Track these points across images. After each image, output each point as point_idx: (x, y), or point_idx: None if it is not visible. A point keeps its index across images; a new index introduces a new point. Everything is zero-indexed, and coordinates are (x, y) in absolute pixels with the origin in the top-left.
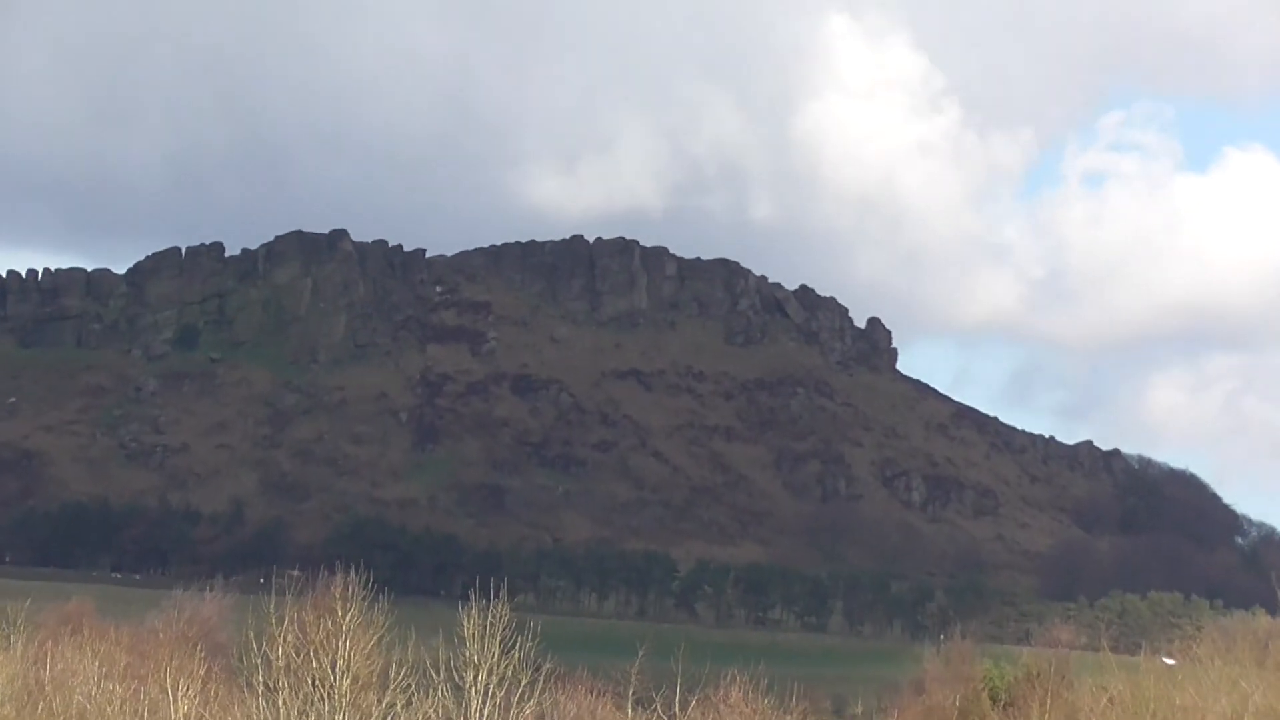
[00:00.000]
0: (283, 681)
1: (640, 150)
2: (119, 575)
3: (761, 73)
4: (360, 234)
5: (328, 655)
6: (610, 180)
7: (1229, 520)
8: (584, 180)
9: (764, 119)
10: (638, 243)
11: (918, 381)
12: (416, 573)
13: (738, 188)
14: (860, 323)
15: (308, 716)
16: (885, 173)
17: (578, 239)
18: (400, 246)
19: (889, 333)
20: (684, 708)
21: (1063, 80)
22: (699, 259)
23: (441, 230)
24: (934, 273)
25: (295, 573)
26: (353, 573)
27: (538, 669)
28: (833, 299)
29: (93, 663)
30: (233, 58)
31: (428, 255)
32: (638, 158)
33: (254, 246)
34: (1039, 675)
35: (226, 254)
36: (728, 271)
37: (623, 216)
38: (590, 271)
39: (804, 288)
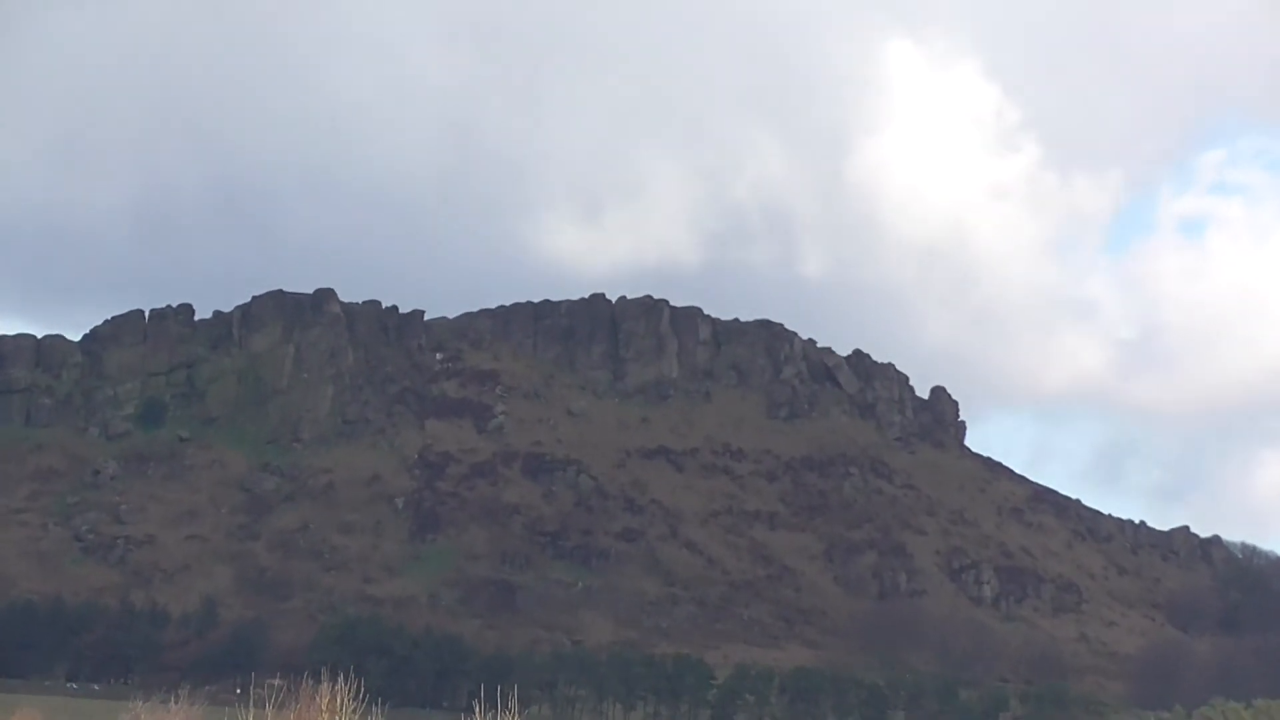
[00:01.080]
0: None
1: (672, 196)
2: (75, 685)
3: (812, 106)
4: (350, 293)
5: None
6: (637, 230)
7: None
8: (607, 230)
9: (814, 159)
10: (667, 302)
11: (989, 460)
12: (415, 680)
13: (783, 239)
14: (923, 392)
15: None
16: (953, 220)
17: (598, 298)
18: (395, 308)
19: (956, 404)
20: None
21: (1155, 114)
22: (738, 320)
23: (443, 289)
24: (1008, 335)
25: (276, 681)
26: (342, 680)
27: None
28: (891, 365)
29: None
30: (209, 90)
31: (427, 318)
32: (669, 204)
33: (228, 309)
34: None
35: (197, 317)
36: (770, 335)
37: (651, 272)
38: (613, 336)
39: (858, 353)
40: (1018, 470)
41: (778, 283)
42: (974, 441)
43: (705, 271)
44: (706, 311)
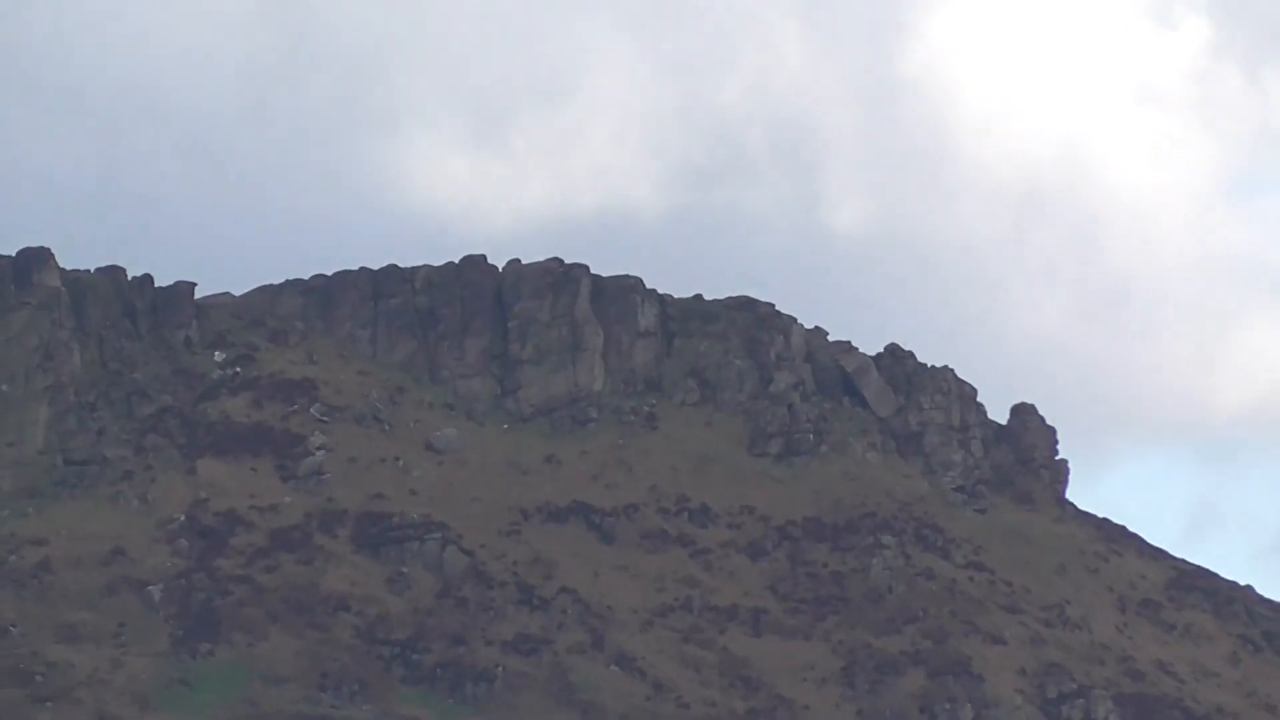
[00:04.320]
0: None
1: (621, 103)
2: None
3: None
4: (76, 257)
5: None
6: (563, 159)
7: None
8: (514, 159)
9: (850, 47)
10: (587, 269)
11: (1107, 523)
12: None
13: (800, 172)
14: (999, 415)
15: None
16: (1065, 145)
17: (475, 263)
18: (149, 278)
19: (1053, 434)
20: None
21: None
22: (700, 299)
23: (228, 250)
24: (1150, 326)
25: None
26: None
27: None
28: (948, 371)
29: None
30: None
31: (200, 294)
32: (616, 117)
33: None
34: None
35: None
36: (755, 321)
37: (564, 226)
38: (500, 324)
39: (894, 352)
40: (1155, 541)
41: (786, 243)
42: (1083, 495)
43: (668, 225)
44: (650, 284)
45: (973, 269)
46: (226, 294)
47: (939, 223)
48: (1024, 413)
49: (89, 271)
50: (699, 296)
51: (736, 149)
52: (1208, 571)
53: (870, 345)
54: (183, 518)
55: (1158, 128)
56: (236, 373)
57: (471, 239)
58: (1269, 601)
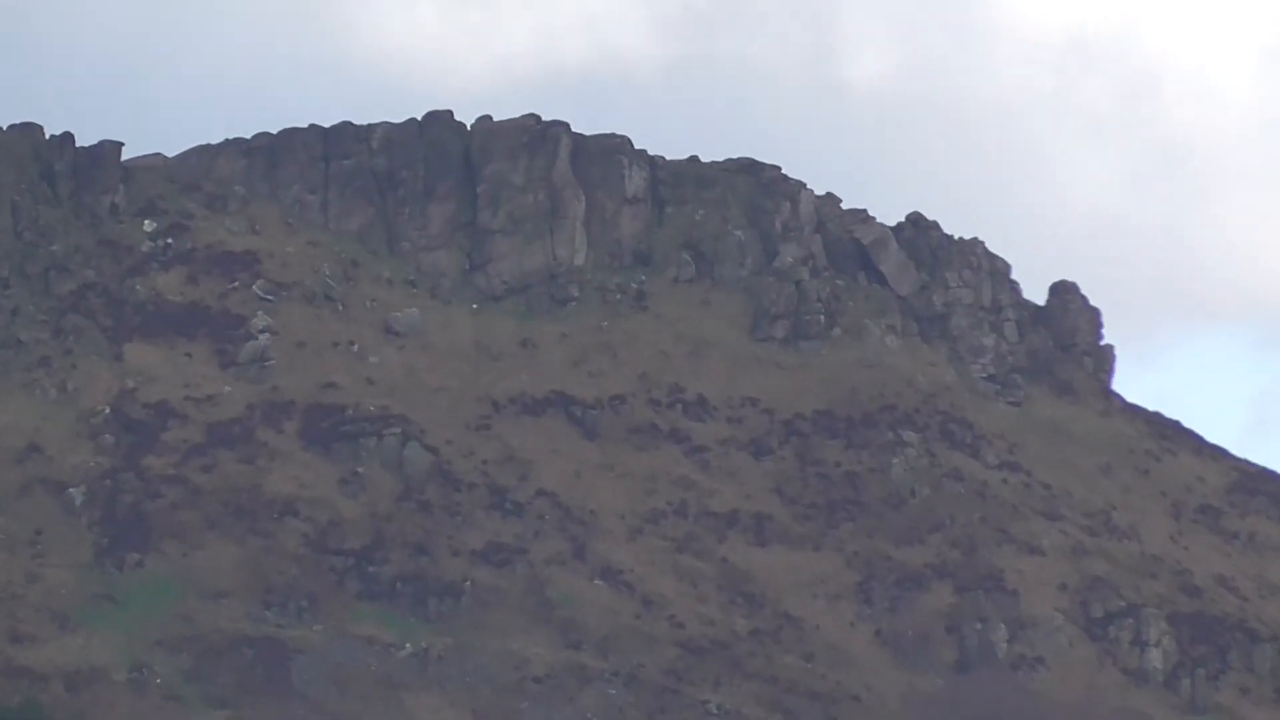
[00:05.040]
0: None
1: None
2: None
3: None
4: None
5: None
6: (529, 6)
7: None
8: (472, 3)
9: None
10: (567, 127)
11: (1158, 418)
12: None
13: (797, 13)
14: (1036, 295)
15: None
16: None
17: (439, 119)
18: (70, 136)
19: (1097, 316)
20: None
21: None
22: (696, 160)
23: (158, 103)
24: (1204, 192)
25: None
26: None
27: None
28: (977, 244)
29: None
30: None
31: (126, 156)
32: None
33: None
34: None
35: None
36: (758, 186)
37: (543, 78)
38: (468, 188)
39: (917, 221)
40: (1213, 439)
41: (795, 98)
42: (1131, 386)
43: (662, 77)
44: (639, 145)
45: (1008, 128)
46: (157, 155)
47: (970, 75)
48: (1064, 291)
49: (0, 129)
50: (694, 158)
51: None
52: (1273, 473)
53: (889, 214)
54: (107, 410)
55: None
56: (168, 244)
57: (438, 93)
58: None
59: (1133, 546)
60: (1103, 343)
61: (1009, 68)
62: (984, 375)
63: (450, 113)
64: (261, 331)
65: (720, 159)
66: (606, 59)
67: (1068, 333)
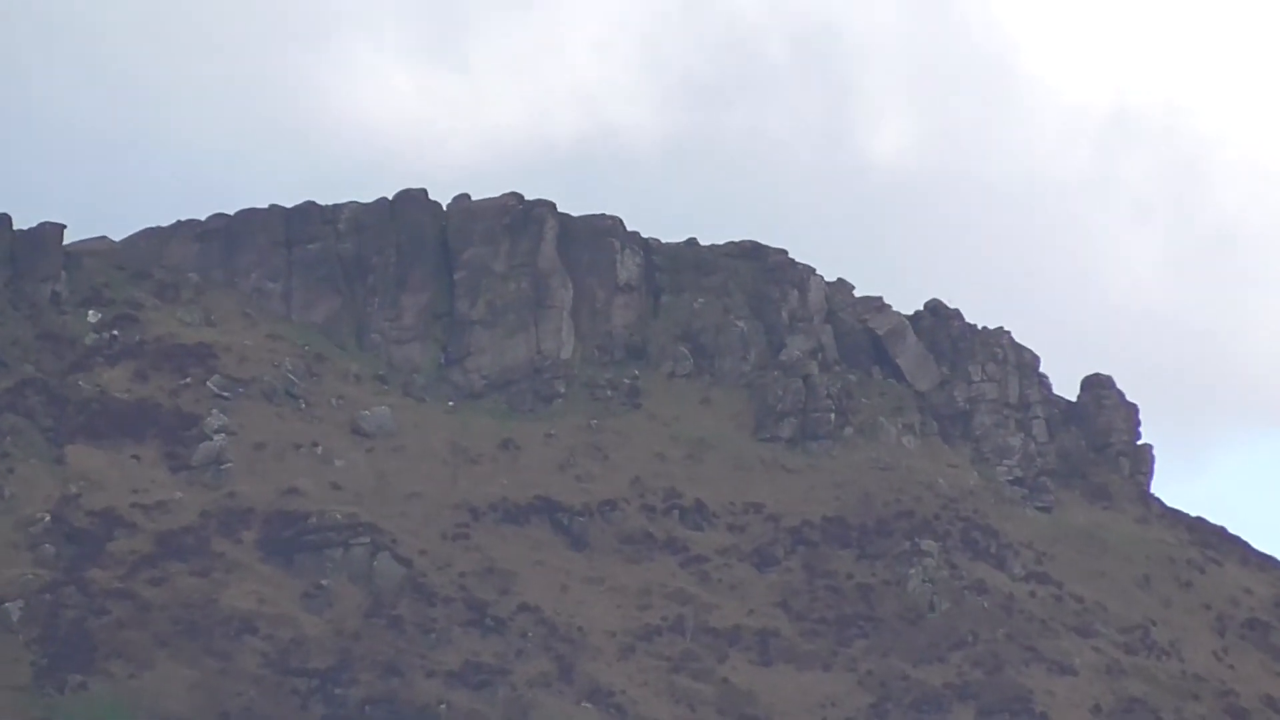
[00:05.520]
0: None
1: (588, 6)
2: None
3: None
4: None
5: None
6: (516, 80)
7: None
8: (473, 75)
9: None
10: (553, 207)
11: (1200, 524)
12: None
13: (811, 85)
14: (1067, 390)
15: None
16: (1157, 47)
17: (413, 199)
18: (7, 219)
19: (1134, 413)
20: None
21: None
22: (693, 243)
23: (106, 186)
24: (1253, 275)
25: None
26: None
27: None
28: (1003, 335)
29: None
30: None
31: (69, 240)
32: (581, 27)
33: None
34: None
35: None
36: (763, 272)
37: (530, 156)
38: (444, 275)
39: (937, 310)
40: (1261, 548)
41: (805, 175)
42: (1172, 490)
43: (658, 154)
44: (632, 227)
45: (1039, 209)
46: (103, 239)
47: (999, 151)
48: (1098, 386)
49: None
50: (693, 241)
51: (751, 61)
52: None
53: (907, 303)
54: (47, 518)
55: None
56: (115, 337)
57: (412, 171)
58: None
59: (1173, 665)
60: (1140, 442)
61: (1042, 144)
62: (1010, 478)
63: (425, 191)
64: (217, 432)
65: (721, 242)
66: (598, 132)
67: (1102, 432)
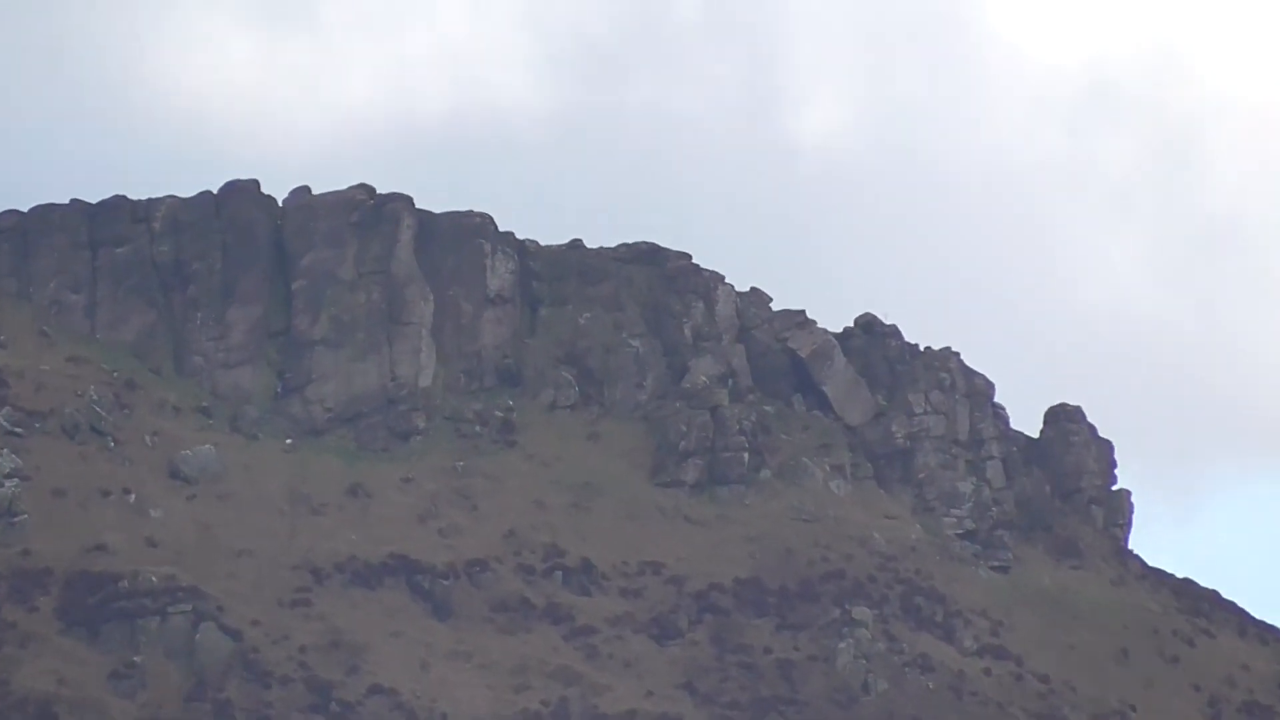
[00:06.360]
0: None
1: None
2: None
3: None
4: None
5: None
6: (371, 47)
7: None
8: (297, 43)
9: None
10: (411, 203)
11: (1188, 587)
12: None
13: (729, 56)
14: (1026, 422)
15: None
16: (1143, 15)
17: (242, 192)
18: None
19: (1108, 451)
20: None
21: None
22: (578, 245)
23: None
24: (1253, 276)
25: None
26: None
27: None
28: (950, 356)
29: None
30: None
31: None
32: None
33: None
34: None
35: None
36: (663, 280)
37: (383, 139)
38: (280, 284)
39: (870, 324)
40: (1260, 615)
41: (717, 163)
42: (1154, 545)
43: (540, 136)
44: (508, 225)
45: (996, 202)
46: None
47: (954, 133)
48: (1064, 419)
49: None
50: (578, 243)
51: (655, 21)
52: None
53: (835, 317)
54: None
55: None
56: None
57: (243, 160)
58: None
59: None
60: (1116, 487)
61: (1004, 121)
62: (959, 531)
63: (257, 183)
64: (8, 477)
65: (613, 244)
66: (467, 108)
67: (1070, 475)
